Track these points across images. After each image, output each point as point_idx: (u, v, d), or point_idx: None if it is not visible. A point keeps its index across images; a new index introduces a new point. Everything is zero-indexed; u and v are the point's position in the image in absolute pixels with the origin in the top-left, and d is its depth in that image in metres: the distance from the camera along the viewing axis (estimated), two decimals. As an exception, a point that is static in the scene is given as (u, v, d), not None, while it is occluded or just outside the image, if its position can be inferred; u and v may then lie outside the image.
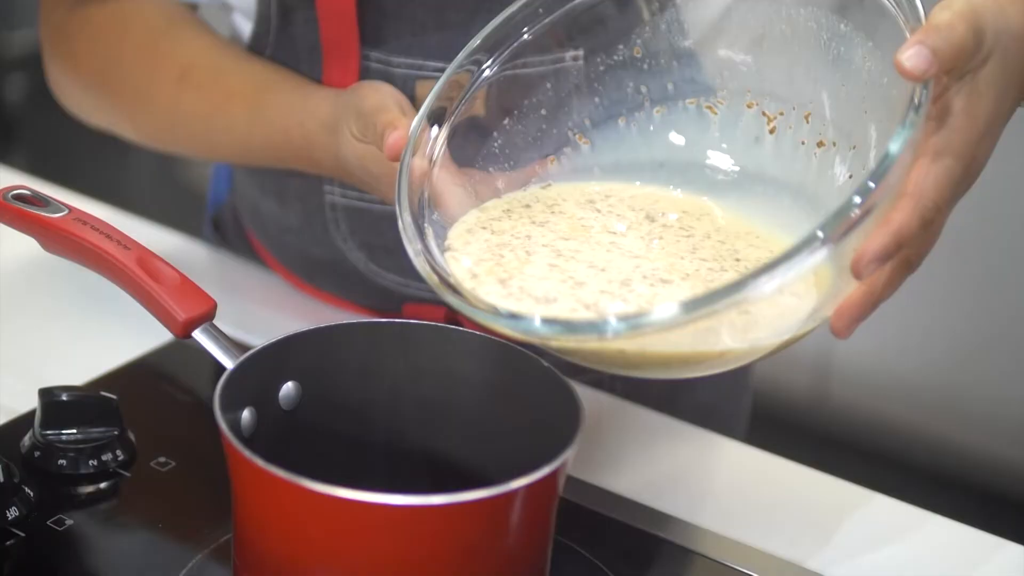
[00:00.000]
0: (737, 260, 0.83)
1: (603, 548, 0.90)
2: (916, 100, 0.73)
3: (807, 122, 0.86)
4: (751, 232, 0.86)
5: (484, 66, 0.88)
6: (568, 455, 0.76)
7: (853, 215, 0.71)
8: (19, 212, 0.89)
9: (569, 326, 0.74)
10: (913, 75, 0.73)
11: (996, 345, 2.31)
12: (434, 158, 0.86)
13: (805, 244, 0.71)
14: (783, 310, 0.77)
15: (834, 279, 0.76)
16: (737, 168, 0.89)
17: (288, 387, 0.84)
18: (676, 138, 0.90)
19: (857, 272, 0.74)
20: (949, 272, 2.24)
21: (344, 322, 0.86)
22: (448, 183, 0.86)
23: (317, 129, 0.98)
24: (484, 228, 0.85)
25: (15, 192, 0.89)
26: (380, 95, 0.92)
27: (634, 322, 0.72)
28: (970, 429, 2.34)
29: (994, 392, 2.31)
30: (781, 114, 0.87)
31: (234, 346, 0.83)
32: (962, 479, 2.33)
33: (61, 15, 1.11)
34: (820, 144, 0.85)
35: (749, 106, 0.88)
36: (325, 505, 0.72)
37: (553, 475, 0.76)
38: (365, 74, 1.02)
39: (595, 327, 0.73)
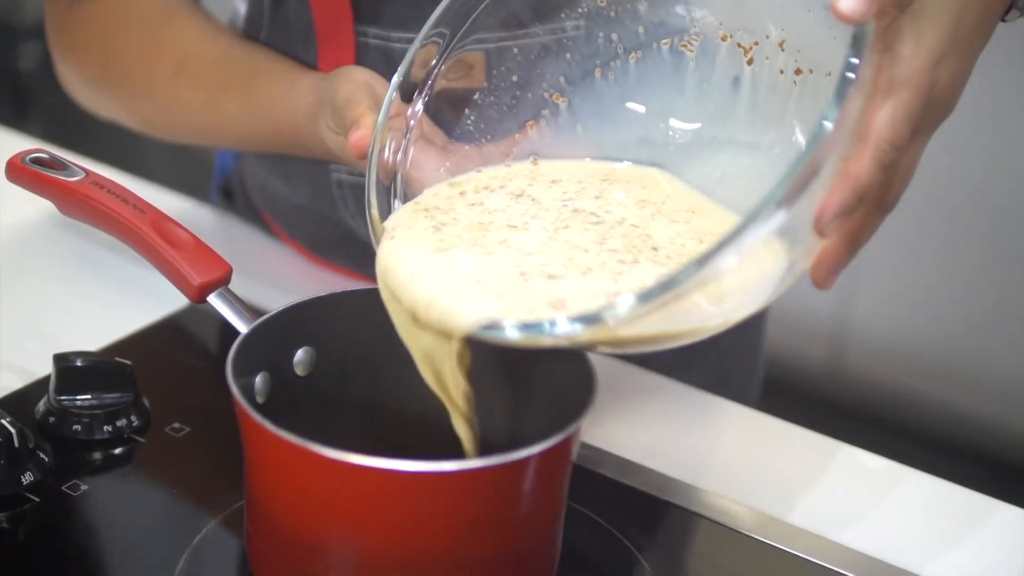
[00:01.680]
0: (654, 249, 0.79)
1: (615, 513, 0.90)
2: (854, 45, 0.70)
3: (782, 50, 0.83)
4: (693, 208, 0.83)
5: (449, 39, 0.84)
6: (581, 422, 0.76)
7: (786, 197, 0.67)
8: (37, 176, 0.89)
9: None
10: (851, 19, 0.70)
11: (1012, 316, 2.30)
12: (407, 139, 0.84)
13: (733, 235, 0.67)
14: (747, 280, 0.73)
15: (792, 242, 0.72)
16: (711, 126, 0.86)
17: (302, 353, 0.84)
18: (652, 92, 0.88)
19: (820, 231, 0.71)
20: (965, 242, 2.24)
21: (359, 288, 0.85)
22: (421, 168, 0.83)
23: (304, 120, 0.96)
24: (426, 220, 0.82)
25: (33, 156, 0.90)
26: (352, 86, 0.88)
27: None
28: (985, 399, 2.34)
29: (1010, 363, 2.31)
30: (756, 44, 0.84)
31: (248, 311, 0.83)
32: (975, 448, 2.33)
33: (64, 9, 1.11)
34: (798, 72, 0.82)
35: (723, 39, 0.85)
36: (337, 471, 0.72)
37: (566, 442, 0.76)
38: (364, 51, 1.01)
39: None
